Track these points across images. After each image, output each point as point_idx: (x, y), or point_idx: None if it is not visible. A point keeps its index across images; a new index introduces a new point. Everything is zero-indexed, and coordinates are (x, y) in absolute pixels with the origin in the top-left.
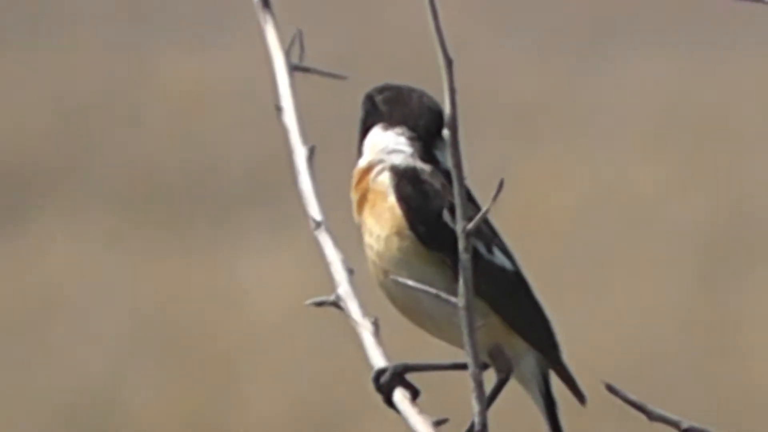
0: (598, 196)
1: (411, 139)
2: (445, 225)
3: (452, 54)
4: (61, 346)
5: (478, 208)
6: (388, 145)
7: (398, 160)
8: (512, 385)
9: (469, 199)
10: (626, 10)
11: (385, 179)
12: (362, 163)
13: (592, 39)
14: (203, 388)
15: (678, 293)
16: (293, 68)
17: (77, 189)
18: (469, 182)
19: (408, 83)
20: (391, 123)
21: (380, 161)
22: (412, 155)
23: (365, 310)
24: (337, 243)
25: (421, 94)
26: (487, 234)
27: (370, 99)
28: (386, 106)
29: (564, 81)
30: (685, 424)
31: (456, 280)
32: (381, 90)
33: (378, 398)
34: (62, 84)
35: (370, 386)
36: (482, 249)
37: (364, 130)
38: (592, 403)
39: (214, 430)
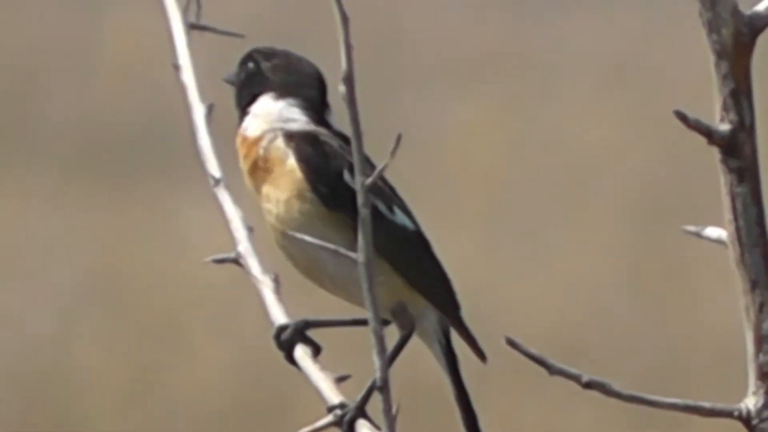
0: (541, 149)
1: (304, 108)
2: (346, 185)
3: (349, 13)
4: (5, 303)
5: (375, 168)
6: (282, 114)
7: (294, 126)
8: (416, 342)
9: (366, 159)
10: None
11: (280, 144)
12: (254, 131)
13: None
14: (151, 341)
15: (622, 246)
16: (190, 26)
17: (20, 146)
18: (382, 137)
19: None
20: (282, 93)
21: (273, 130)
22: (307, 123)
23: (265, 267)
24: (237, 200)
25: (307, 62)
26: (387, 193)
27: (255, 64)
28: (277, 75)
29: (510, 32)
30: (585, 378)
31: (357, 239)
32: (267, 55)
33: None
34: (5, 40)
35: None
36: (383, 208)
37: (251, 96)
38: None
39: (162, 383)
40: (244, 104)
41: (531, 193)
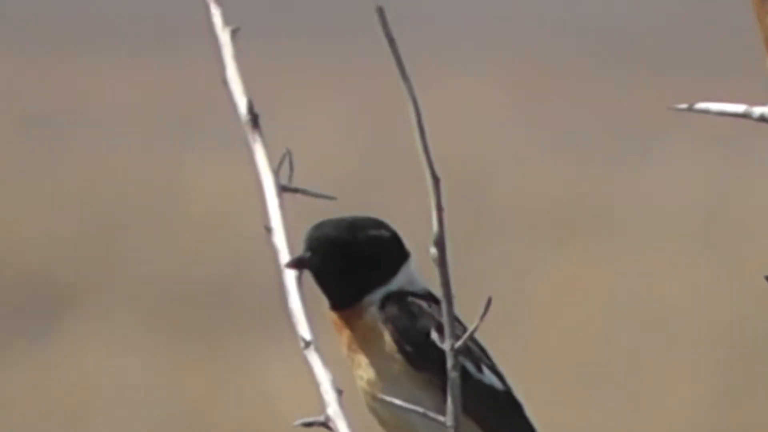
0: (627, 303)
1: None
2: (433, 345)
3: (438, 172)
4: None
5: (465, 328)
6: (414, 279)
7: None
8: None
9: (455, 319)
10: (661, 114)
11: (374, 310)
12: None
13: (628, 139)
14: None
15: (704, 402)
16: (282, 189)
17: (106, 296)
18: (461, 299)
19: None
20: (408, 258)
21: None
22: (423, 286)
23: (354, 430)
24: (326, 363)
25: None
26: (476, 353)
27: (375, 239)
28: (395, 242)
29: (598, 180)
30: None
31: (445, 399)
32: (378, 226)
33: None
34: (90, 190)
35: None
36: (471, 368)
37: (387, 271)
38: None
39: None
40: (381, 280)
41: (618, 349)
